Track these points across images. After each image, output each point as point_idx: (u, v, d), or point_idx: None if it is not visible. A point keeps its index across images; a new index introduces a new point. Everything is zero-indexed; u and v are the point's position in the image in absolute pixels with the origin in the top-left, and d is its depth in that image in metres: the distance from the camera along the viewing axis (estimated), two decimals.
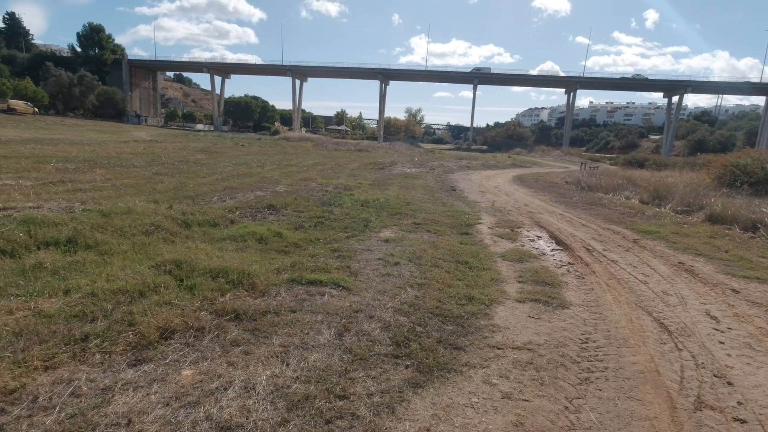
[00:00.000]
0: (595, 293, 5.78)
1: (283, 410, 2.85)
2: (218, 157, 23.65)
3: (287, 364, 3.43)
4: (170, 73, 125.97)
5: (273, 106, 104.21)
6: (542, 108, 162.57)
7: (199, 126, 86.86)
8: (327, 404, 2.95)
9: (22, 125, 41.33)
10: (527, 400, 3.24)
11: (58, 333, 3.52)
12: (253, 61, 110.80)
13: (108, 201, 8.89)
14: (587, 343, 4.31)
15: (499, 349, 4.01)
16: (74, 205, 7.66)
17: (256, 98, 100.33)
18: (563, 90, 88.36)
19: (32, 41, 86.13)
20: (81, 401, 2.79)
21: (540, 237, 9.11)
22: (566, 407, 3.20)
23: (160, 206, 8.43)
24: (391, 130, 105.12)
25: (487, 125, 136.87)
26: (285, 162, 23.62)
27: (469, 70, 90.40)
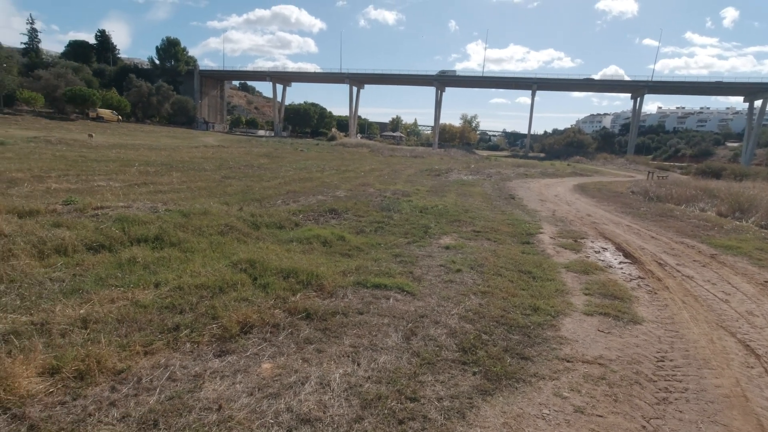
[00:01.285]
0: (669, 310, 5.49)
1: (357, 408, 2.98)
2: (280, 162, 24.66)
3: (358, 364, 3.56)
4: (236, 82, 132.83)
5: (330, 113, 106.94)
6: (605, 114, 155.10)
7: (261, 132, 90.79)
8: (399, 405, 3.04)
9: (108, 131, 45.25)
10: (601, 416, 3.16)
11: (153, 322, 3.87)
12: (312, 70, 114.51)
13: (185, 202, 9.56)
14: (663, 361, 4.11)
15: (568, 361, 3.93)
16: (158, 206, 8.31)
17: (314, 105, 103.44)
18: (628, 95, 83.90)
19: (118, 55, 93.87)
20: (177, 385, 3.06)
21: (606, 249, 8.74)
22: (644, 426, 3.09)
23: (231, 208, 8.97)
24: (446, 136, 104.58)
25: (545, 132, 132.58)
26: (343, 167, 24.20)
27: (527, 75, 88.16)
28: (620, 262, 7.77)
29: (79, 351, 3.20)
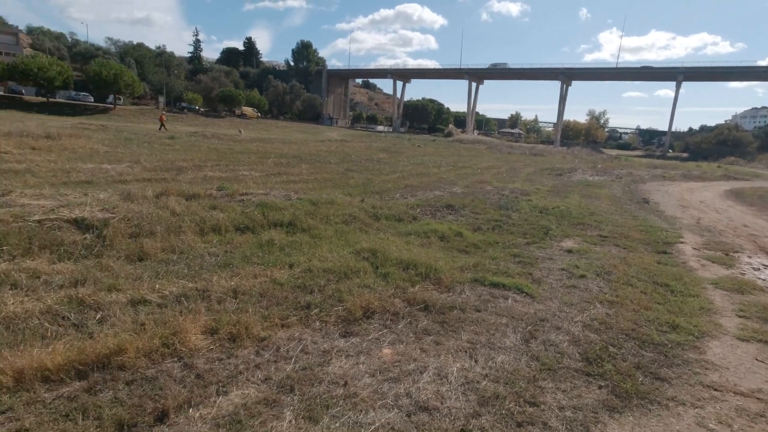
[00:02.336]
0: None
1: (474, 403, 3.00)
2: (398, 157, 25.33)
3: (475, 361, 3.57)
4: (358, 80, 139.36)
5: (448, 109, 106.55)
6: None
7: (380, 127, 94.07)
8: (517, 407, 2.99)
9: (249, 127, 50.90)
10: None
11: (288, 299, 4.32)
12: (432, 66, 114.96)
13: (313, 192, 10.37)
14: None
15: (716, 390, 3.47)
16: (290, 194, 9.16)
17: (432, 101, 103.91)
18: None
19: (260, 59, 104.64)
20: (309, 358, 3.39)
21: (767, 266, 7.44)
22: None
23: (354, 199, 9.51)
24: (569, 133, 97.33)
25: (690, 129, 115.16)
26: (459, 163, 24.02)
27: (670, 65, 77.52)
28: None
29: (232, 317, 3.72)
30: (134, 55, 68.70)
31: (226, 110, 66.55)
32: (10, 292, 3.88)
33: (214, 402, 2.74)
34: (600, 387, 3.36)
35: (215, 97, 64.84)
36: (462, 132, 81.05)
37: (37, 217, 5.37)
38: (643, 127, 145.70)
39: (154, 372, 2.97)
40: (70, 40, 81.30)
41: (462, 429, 2.71)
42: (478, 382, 3.25)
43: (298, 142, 34.02)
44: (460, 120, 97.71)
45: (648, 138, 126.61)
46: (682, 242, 8.86)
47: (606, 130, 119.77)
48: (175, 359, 3.14)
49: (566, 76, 79.88)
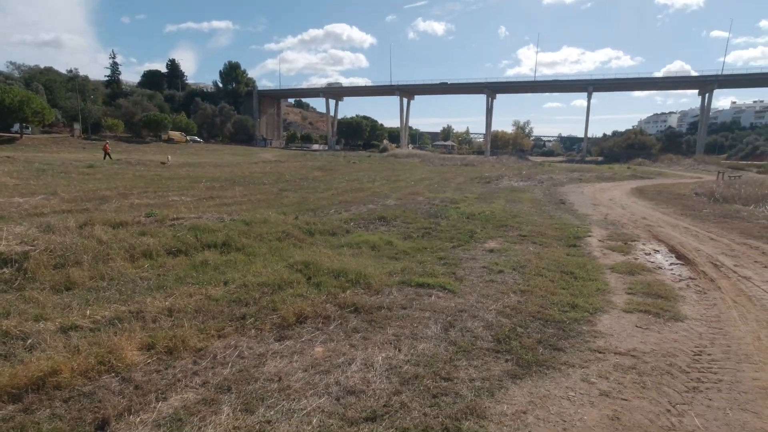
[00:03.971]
0: (717, 309, 5.44)
1: (396, 384, 3.39)
2: (333, 174, 25.68)
3: (399, 350, 3.97)
4: (291, 100, 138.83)
5: (381, 125, 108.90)
6: (670, 113, 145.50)
7: (315, 146, 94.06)
8: (433, 383, 3.42)
9: (178, 152, 49.01)
10: (626, 400, 3.36)
11: (224, 312, 4.51)
12: (363, 83, 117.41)
13: (247, 213, 10.44)
14: (700, 355, 4.18)
15: (600, 353, 4.12)
16: (223, 216, 9.20)
17: (366, 118, 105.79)
18: (695, 92, 78.65)
19: (186, 81, 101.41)
20: (245, 361, 3.63)
21: (657, 251, 8.58)
22: (668, 410, 3.26)
23: (288, 217, 9.72)
24: (498, 143, 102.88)
25: (604, 135, 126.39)
26: (394, 177, 24.81)
27: (582, 77, 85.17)
28: (671, 264, 7.63)
29: (168, 333, 3.87)
30: (42, 79, 63.97)
31: (151, 135, 63.63)
32: None
33: (154, 407, 2.91)
34: (506, 361, 3.88)
35: (138, 122, 61.90)
36: (396, 147, 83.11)
37: None
38: (564, 134, 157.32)
39: (92, 388, 3.08)
40: None
41: (384, 405, 3.09)
42: (400, 367, 3.65)
43: (230, 164, 33.39)
44: (394, 135, 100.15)
45: (569, 144, 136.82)
46: (590, 236, 9.92)
47: (531, 138, 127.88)
48: (113, 375, 3.26)
49: (491, 89, 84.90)
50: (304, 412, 2.96)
